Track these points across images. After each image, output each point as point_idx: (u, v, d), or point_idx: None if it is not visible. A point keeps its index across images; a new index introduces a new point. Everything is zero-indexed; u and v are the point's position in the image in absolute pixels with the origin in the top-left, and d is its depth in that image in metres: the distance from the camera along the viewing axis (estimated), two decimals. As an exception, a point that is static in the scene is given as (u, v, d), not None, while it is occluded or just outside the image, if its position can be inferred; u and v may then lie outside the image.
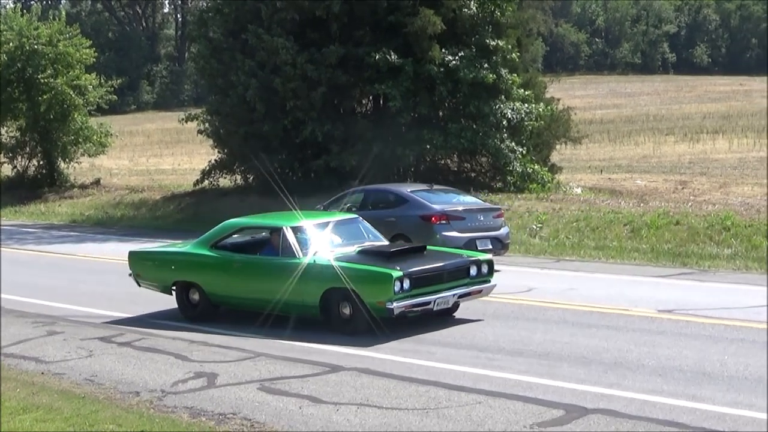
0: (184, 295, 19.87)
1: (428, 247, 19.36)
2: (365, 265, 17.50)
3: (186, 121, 43.98)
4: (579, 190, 41.25)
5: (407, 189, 28.08)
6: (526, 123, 40.46)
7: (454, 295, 17.84)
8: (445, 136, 38.96)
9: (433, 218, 25.84)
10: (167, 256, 20.86)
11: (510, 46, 40.49)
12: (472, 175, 41.92)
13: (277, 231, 18.78)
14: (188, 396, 14.21)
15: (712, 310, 19.03)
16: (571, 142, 48.47)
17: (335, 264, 17.63)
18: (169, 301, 20.86)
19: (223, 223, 20.47)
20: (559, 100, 46.56)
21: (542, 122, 42.23)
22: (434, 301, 17.42)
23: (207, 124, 43.13)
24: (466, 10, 39.52)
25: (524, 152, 40.77)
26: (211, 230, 20.39)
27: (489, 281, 18.64)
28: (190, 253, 19.96)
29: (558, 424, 12.13)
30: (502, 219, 27.30)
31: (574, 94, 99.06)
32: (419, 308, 17.27)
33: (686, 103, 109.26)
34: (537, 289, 18.46)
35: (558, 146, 47.59)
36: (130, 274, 20.93)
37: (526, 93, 41.27)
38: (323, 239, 18.73)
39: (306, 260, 17.99)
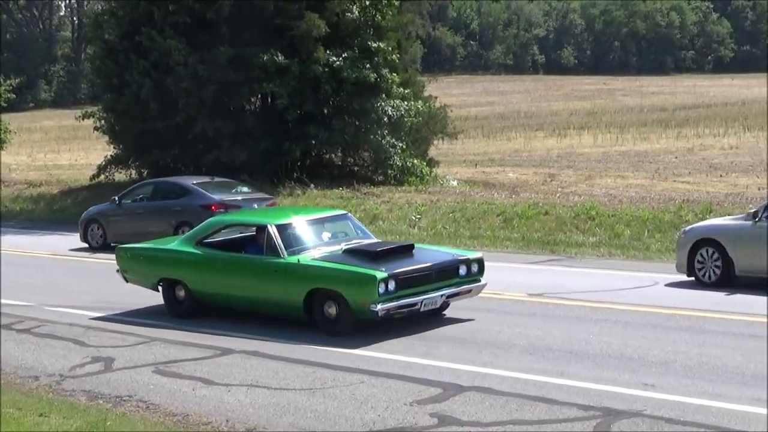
0: (170, 293, 18.38)
1: (416, 245, 17.79)
2: (349, 266, 16.10)
3: (83, 119, 43.53)
4: (455, 183, 41.51)
5: (191, 181, 29.71)
6: (405, 120, 40.67)
7: (442, 295, 16.43)
8: (329, 132, 39.07)
9: (212, 207, 27.23)
10: (153, 253, 19.12)
11: (390, 48, 40.62)
12: (355, 168, 42.04)
13: (262, 228, 17.33)
14: (86, 380, 14.06)
15: (578, 293, 19.29)
16: (448, 138, 48.75)
17: (319, 264, 16.41)
18: (64, 289, 20.59)
19: (210, 219, 19.34)
20: (436, 98, 46.79)
21: (421, 119, 42.50)
22: (421, 302, 16.07)
23: (103, 121, 42.68)
24: (348, 14, 39.61)
25: (404, 147, 41.00)
26: (197, 226, 19.21)
27: (479, 280, 17.17)
28: (175, 250, 18.46)
29: (436, 401, 12.22)
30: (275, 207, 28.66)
31: (451, 93, 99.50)
32: (405, 310, 15.96)
33: (554, 101, 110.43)
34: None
35: (435, 141, 47.82)
36: (117, 270, 19.55)
37: (406, 92, 41.46)
38: (309, 237, 17.35)
39: (289, 259, 16.63)
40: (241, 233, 18.72)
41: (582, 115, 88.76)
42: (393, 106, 39.98)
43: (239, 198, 28.30)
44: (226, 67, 38.46)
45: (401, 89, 41.22)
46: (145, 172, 41.87)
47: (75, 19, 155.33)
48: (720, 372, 13.00)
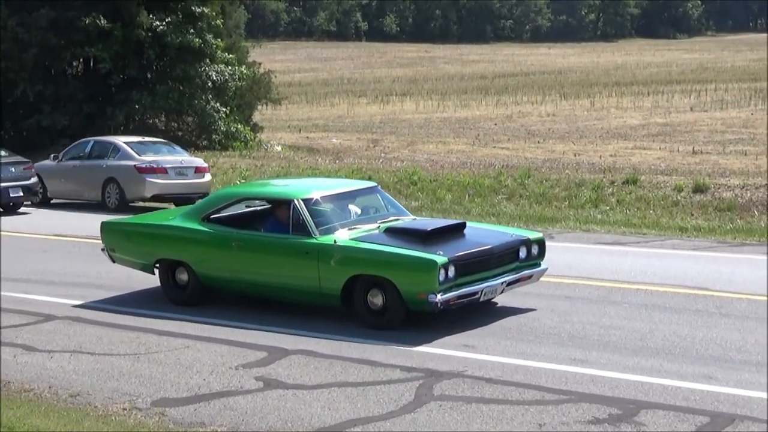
0: (169, 276, 15.82)
1: (468, 223, 15.55)
2: (400, 249, 13.68)
3: None
4: (279, 148, 41.55)
5: None
6: (229, 85, 40.54)
7: (502, 282, 14.09)
8: (153, 97, 38.68)
9: None
10: (150, 230, 16.50)
11: (214, 13, 40.37)
12: (179, 133, 41.75)
13: (286, 204, 14.72)
14: None
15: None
16: (272, 103, 48.76)
17: (361, 246, 13.94)
18: None
19: (218, 192, 17.10)
20: (260, 64, 46.72)
21: (245, 84, 42.40)
22: (482, 291, 13.74)
23: None
24: (172, -23, 39.17)
25: (228, 112, 40.85)
26: (202, 200, 17.07)
27: (539, 264, 14.97)
28: (177, 227, 15.76)
29: (261, 365, 12.19)
30: (32, 170, 29.10)
31: (275, 59, 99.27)
32: (465, 300, 13.59)
33: (377, 68, 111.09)
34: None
35: (260, 107, 47.78)
36: (102, 249, 16.92)
37: (230, 57, 41.33)
38: (341, 214, 14.96)
39: (323, 240, 14.15)
40: (247, 207, 16.24)
41: (404, 82, 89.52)
42: (217, 72, 39.80)
43: None
44: (47, 30, 37.67)
45: (225, 54, 41.08)
46: (-37, 137, 40.90)
47: None
48: (538, 333, 13.26)
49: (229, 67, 40.52)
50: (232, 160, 34.85)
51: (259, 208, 16.07)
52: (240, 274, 15.07)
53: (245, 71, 41.85)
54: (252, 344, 13.10)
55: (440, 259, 13.19)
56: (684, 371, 11.50)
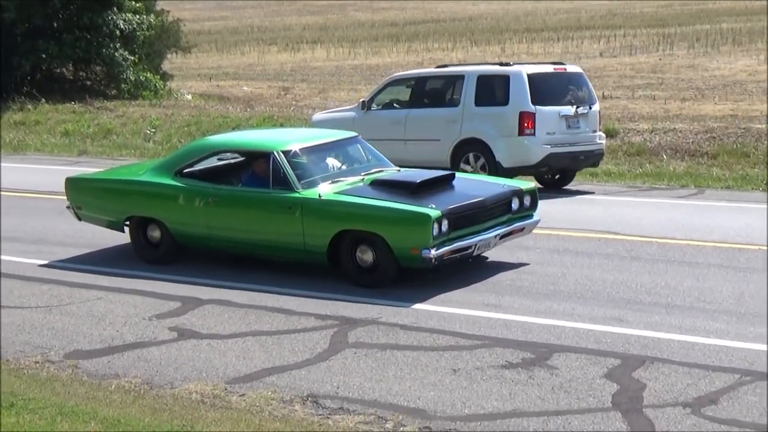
0: (140, 233, 15.04)
1: (457, 174, 14.99)
2: (390, 202, 13.04)
3: None
4: (189, 97, 41.25)
5: None
6: (138, 33, 40.13)
7: (495, 236, 13.54)
8: (60, 46, 38.14)
9: None
10: (120, 185, 15.48)
11: (121, -42, 39.84)
12: (88, 83, 41.27)
13: (264, 156, 13.99)
14: None
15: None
16: (182, 52, 48.40)
17: (348, 200, 13.31)
18: None
19: (190, 144, 16.29)
20: (169, 12, 46.29)
21: (153, 32, 42.03)
22: (475, 245, 13.23)
23: None
24: (77, -77, 38.54)
25: (136, 61, 40.45)
26: (174, 153, 16.17)
27: (532, 216, 14.44)
28: (149, 183, 14.88)
29: (175, 315, 12.16)
30: None
31: (184, 7, 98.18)
32: (458, 255, 13.07)
33: (287, 16, 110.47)
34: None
35: (169, 55, 47.39)
36: (68, 207, 16.07)
37: (138, 5, 40.88)
38: (323, 166, 14.31)
39: (307, 194, 13.49)
40: (219, 160, 15.28)
41: (315, 29, 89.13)
42: (125, 20, 39.33)
43: None
44: (-53, -23, 36.94)
45: (133, 2, 40.59)
46: None
47: None
48: (450, 279, 13.34)
49: (137, 16, 40.11)
50: (142, 109, 34.50)
51: (233, 161, 15.28)
52: (217, 230, 14.34)
53: (153, 20, 41.47)
54: (165, 294, 13.05)
55: (433, 212, 12.66)
56: (595, 314, 11.66)
